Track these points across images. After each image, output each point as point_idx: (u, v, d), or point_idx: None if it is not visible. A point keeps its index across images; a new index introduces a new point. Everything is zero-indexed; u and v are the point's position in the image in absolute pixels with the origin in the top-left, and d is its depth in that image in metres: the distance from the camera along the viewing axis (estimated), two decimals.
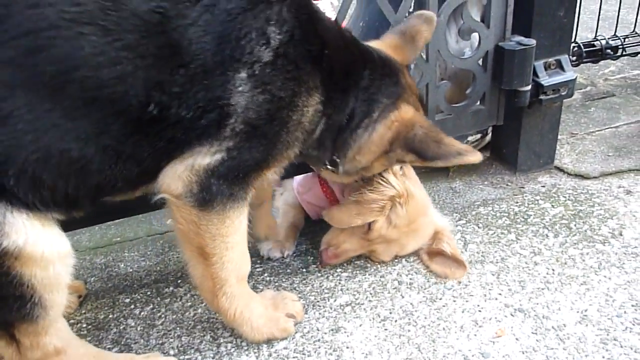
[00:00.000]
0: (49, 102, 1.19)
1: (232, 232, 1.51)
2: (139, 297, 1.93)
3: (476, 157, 1.55)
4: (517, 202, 2.30)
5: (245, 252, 1.62)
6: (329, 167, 1.73)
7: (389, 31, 1.86)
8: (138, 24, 1.22)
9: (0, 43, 1.13)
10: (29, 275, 1.29)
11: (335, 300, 1.83)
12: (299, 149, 1.58)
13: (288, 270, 2.01)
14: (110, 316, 1.85)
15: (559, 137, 2.55)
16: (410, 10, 2.10)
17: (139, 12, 1.22)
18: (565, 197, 2.30)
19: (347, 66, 1.57)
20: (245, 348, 1.67)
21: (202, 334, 1.74)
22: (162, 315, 1.83)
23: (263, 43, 1.35)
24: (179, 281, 1.99)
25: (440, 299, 1.81)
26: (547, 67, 2.31)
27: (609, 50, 3.07)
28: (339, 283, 1.91)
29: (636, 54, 3.18)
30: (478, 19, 2.29)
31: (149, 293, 1.95)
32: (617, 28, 3.14)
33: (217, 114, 1.34)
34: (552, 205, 2.25)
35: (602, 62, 3.25)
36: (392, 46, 1.77)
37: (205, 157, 1.39)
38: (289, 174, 1.86)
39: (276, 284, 1.94)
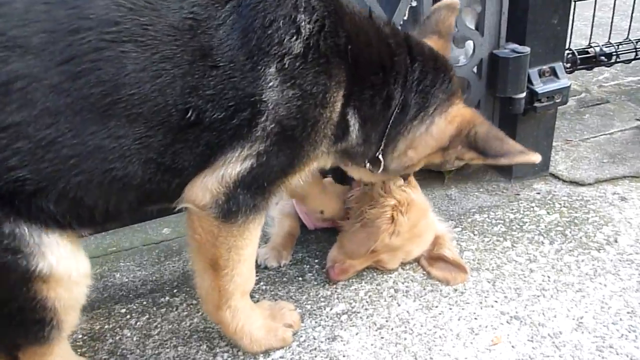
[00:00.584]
0: (94, 125, 1.19)
1: (247, 244, 1.50)
2: (134, 307, 1.93)
3: (537, 157, 1.57)
4: (512, 209, 2.30)
5: (253, 267, 1.61)
6: (367, 165, 1.67)
7: (420, 32, 1.79)
8: (172, 34, 1.22)
9: (45, 70, 1.13)
10: (53, 298, 1.28)
11: (331, 309, 1.83)
12: (326, 148, 1.54)
13: (284, 279, 2.00)
14: (106, 327, 1.85)
15: (554, 144, 2.56)
16: (405, 17, 2.10)
17: (172, 22, 1.22)
18: (560, 204, 2.31)
19: (381, 59, 1.51)
20: (242, 358, 1.67)
21: (198, 344, 1.74)
22: (158, 325, 1.83)
23: (293, 33, 1.32)
24: (175, 291, 1.99)
25: (437, 306, 1.81)
26: (541, 74, 2.32)
27: (603, 57, 3.08)
28: (335, 291, 1.91)
29: (630, 60, 3.19)
30: (472, 26, 2.30)
31: (144, 303, 1.94)
32: (611, 35, 3.16)
33: (249, 112, 1.32)
34: (548, 212, 2.26)
35: (596, 69, 3.26)
36: (438, 49, 1.72)
37: (236, 165, 1.36)
38: None
39: (272, 292, 1.94)
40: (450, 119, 1.59)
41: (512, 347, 1.63)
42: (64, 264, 1.27)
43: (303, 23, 1.33)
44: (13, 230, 1.18)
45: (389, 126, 1.57)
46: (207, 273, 1.53)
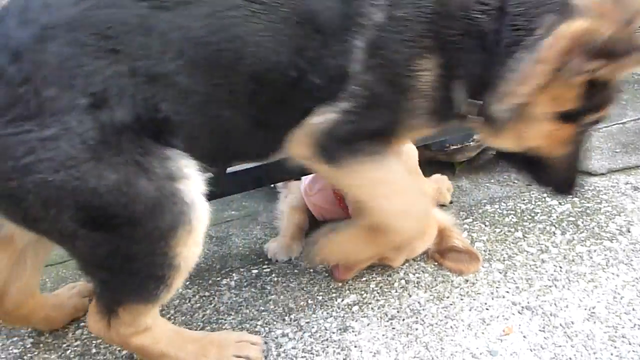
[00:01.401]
0: (219, 78, 1.27)
1: (385, 180, 1.52)
2: None
3: None
4: (523, 200, 2.29)
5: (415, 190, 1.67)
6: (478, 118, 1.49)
7: None
8: None
9: (194, 21, 1.22)
10: (182, 255, 1.30)
11: (342, 300, 1.84)
12: (432, 120, 1.49)
13: (295, 271, 2.01)
14: None
15: None
16: None
17: None
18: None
19: (466, 9, 1.37)
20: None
21: None
22: (171, 317, 1.84)
23: (373, 3, 1.35)
24: (188, 283, 2.00)
25: (448, 297, 1.81)
26: None
27: None
28: (346, 282, 1.92)
29: None
30: None
31: None
32: None
33: (339, 77, 1.37)
34: (559, 203, 2.25)
35: None
36: None
37: (319, 117, 1.40)
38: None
39: (284, 284, 1.95)
40: (560, 35, 1.29)
41: (524, 337, 1.63)
42: (204, 211, 1.31)
43: None
44: (171, 156, 1.26)
45: (486, 67, 1.40)
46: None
